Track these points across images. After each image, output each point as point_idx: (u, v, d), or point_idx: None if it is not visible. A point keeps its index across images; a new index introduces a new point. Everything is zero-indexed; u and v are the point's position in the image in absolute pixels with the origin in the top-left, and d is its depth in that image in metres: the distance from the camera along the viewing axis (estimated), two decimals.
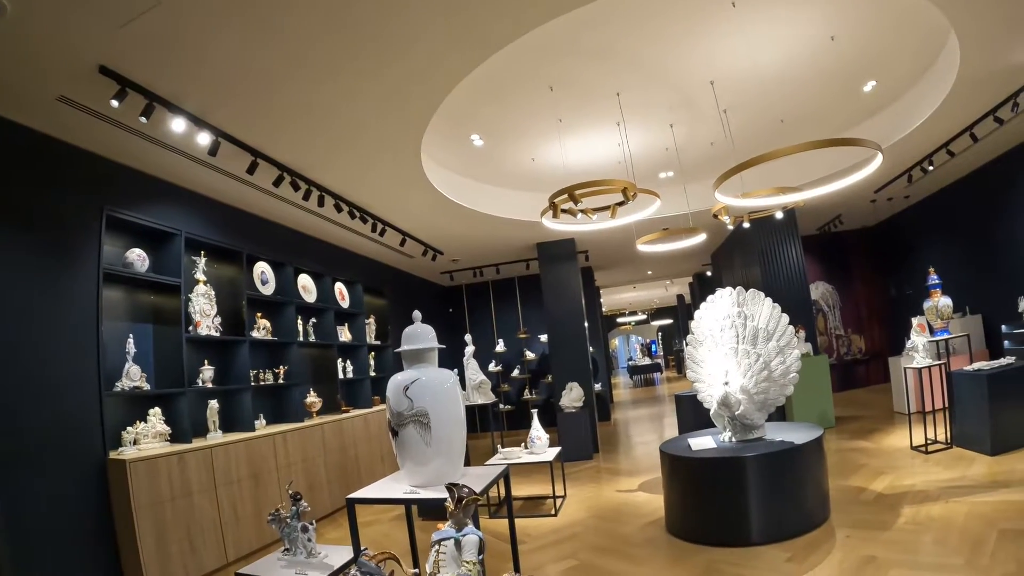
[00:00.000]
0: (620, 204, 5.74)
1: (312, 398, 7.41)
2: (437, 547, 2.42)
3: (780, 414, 8.23)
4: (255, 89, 4.37)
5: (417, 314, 3.34)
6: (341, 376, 8.48)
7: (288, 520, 3.28)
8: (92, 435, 4.65)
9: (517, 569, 3.47)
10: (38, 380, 4.33)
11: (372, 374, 9.30)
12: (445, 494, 2.53)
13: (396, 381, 3.07)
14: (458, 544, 2.37)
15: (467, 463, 7.28)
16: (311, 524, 3.28)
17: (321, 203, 6.42)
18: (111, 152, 5.04)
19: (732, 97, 6.21)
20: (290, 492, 3.35)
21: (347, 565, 3.06)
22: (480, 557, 2.37)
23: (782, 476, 4.54)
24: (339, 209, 6.89)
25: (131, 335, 5.17)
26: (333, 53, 4.04)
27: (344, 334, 8.87)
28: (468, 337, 7.81)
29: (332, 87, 4.50)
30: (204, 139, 4.68)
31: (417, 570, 2.28)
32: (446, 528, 2.45)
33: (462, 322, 13.68)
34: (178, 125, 4.40)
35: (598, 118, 6.46)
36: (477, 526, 2.55)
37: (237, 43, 3.79)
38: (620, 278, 17.89)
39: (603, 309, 21.49)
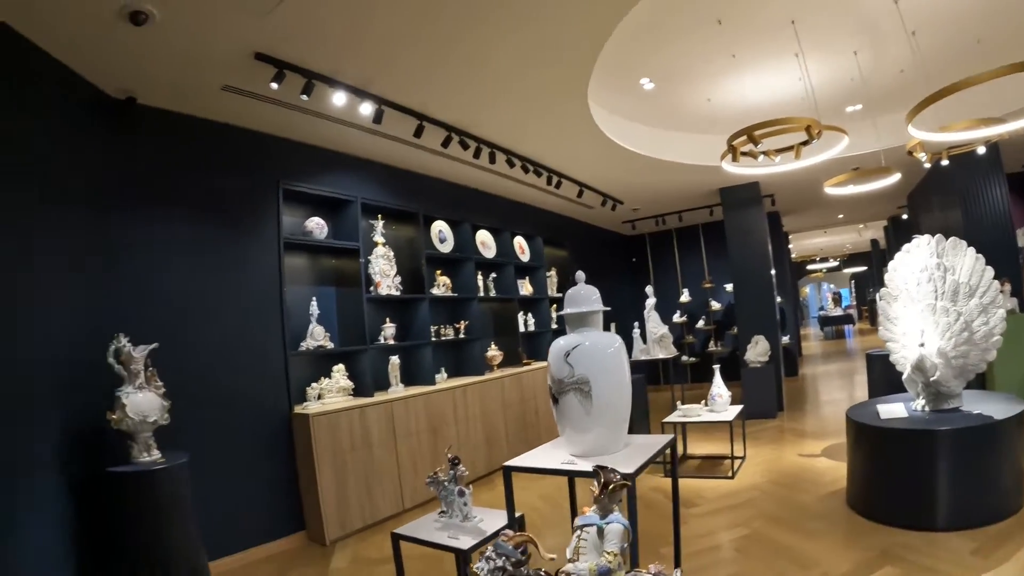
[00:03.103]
0: (804, 143, 5.18)
1: (493, 351, 7.57)
2: (579, 533, 2.30)
3: (979, 382, 7.16)
4: (412, 54, 4.36)
5: (580, 275, 3.19)
6: (522, 329, 8.54)
7: (445, 483, 3.34)
8: (279, 391, 5.13)
9: (677, 543, 3.29)
10: (231, 344, 4.85)
11: (554, 327, 9.22)
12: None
13: (557, 346, 2.97)
14: (601, 532, 2.24)
15: (647, 417, 7.20)
16: (467, 488, 3.31)
17: (492, 160, 6.41)
18: (280, 130, 5.35)
19: (921, 16, 5.24)
20: (448, 456, 3.40)
21: (498, 532, 3.05)
22: (624, 546, 2.22)
23: (977, 455, 3.96)
24: (511, 164, 6.83)
25: (314, 298, 5.55)
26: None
27: (525, 287, 8.91)
28: (649, 289, 7.56)
29: (491, 40, 4.35)
30: (367, 109, 4.80)
31: (554, 556, 2.18)
32: (590, 514, 2.33)
33: (645, 272, 13.34)
34: (339, 99, 4.55)
35: (774, 50, 5.77)
36: (633, 512, 2.41)
37: (383, 9, 3.76)
38: (809, 223, 16.49)
39: (792, 256, 20.00)
